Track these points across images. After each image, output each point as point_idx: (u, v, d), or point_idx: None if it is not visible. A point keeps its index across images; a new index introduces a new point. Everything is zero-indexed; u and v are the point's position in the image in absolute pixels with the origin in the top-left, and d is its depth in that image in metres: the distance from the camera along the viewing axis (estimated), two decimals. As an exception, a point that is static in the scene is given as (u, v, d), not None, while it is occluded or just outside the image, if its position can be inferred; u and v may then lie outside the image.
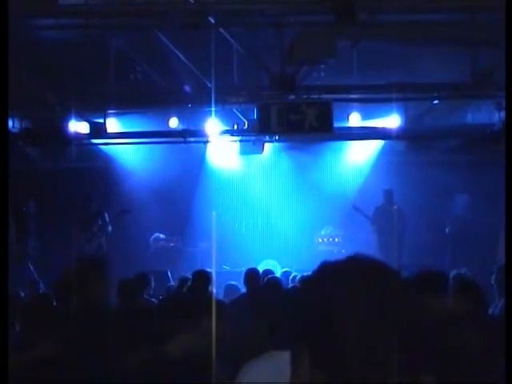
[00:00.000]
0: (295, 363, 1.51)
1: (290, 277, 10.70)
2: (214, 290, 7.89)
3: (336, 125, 11.67)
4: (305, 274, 8.83)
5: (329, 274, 1.56)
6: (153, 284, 8.81)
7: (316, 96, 11.40)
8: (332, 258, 1.63)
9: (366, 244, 14.35)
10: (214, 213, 14.03)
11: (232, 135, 13.52)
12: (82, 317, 4.43)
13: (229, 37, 10.31)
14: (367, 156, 16.17)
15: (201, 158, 15.78)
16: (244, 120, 13.09)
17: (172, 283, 10.13)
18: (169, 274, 11.56)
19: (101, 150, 15.40)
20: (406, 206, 14.92)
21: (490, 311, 5.89)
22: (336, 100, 11.50)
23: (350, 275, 1.54)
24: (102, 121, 12.97)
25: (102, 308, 4.86)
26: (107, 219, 14.77)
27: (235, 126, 13.32)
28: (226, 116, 13.18)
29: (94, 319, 4.55)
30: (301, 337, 1.52)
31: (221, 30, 9.95)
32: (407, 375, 1.50)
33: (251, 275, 8.72)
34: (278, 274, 11.08)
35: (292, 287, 7.97)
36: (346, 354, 1.47)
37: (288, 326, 1.63)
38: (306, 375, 1.50)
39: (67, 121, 12.42)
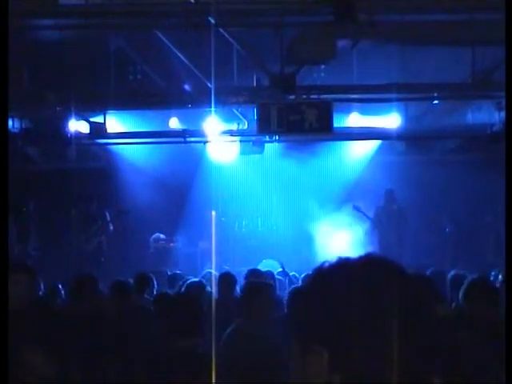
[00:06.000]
0: (313, 364, 1.50)
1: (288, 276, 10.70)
2: (214, 290, 7.89)
3: (336, 125, 11.66)
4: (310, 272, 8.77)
5: (343, 273, 1.54)
6: (155, 284, 8.79)
7: (316, 96, 11.39)
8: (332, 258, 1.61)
9: (366, 244, 14.38)
10: (213, 213, 14.02)
11: (232, 135, 13.52)
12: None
13: (229, 37, 10.30)
14: (367, 156, 16.17)
15: (201, 158, 15.77)
16: (244, 120, 13.09)
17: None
18: (169, 274, 11.55)
19: (101, 150, 15.41)
20: (406, 205, 14.92)
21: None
22: (336, 100, 11.49)
23: (364, 274, 1.52)
24: (101, 121, 12.97)
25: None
26: (108, 219, 14.78)
27: (235, 126, 13.33)
28: (225, 116, 13.18)
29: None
30: (319, 338, 1.50)
31: (221, 30, 9.94)
32: (420, 377, 1.49)
33: (256, 276, 8.64)
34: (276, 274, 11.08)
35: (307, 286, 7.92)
36: (361, 355, 1.46)
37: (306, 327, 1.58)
38: (322, 376, 1.49)
39: (67, 121, 12.43)
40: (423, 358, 1.49)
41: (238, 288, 8.71)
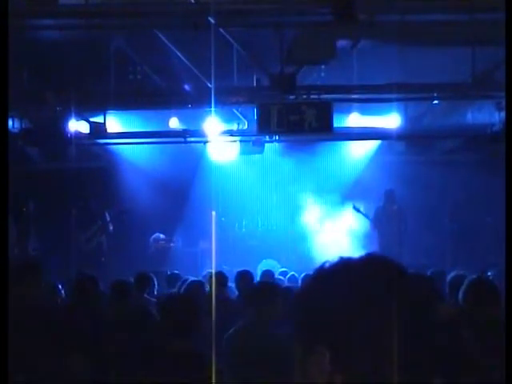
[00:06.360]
0: (315, 364, 1.50)
1: (287, 276, 10.70)
2: (214, 290, 7.89)
3: (336, 125, 11.67)
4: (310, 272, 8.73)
5: (344, 273, 1.54)
6: (156, 283, 8.80)
7: (316, 96, 11.39)
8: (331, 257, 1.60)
9: (366, 244, 14.38)
10: (213, 213, 14.02)
11: (232, 135, 13.52)
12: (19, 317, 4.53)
13: (229, 37, 10.30)
14: (367, 156, 16.17)
15: (200, 158, 15.77)
16: (244, 120, 13.09)
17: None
18: (168, 274, 11.55)
19: (101, 150, 15.40)
20: (406, 205, 14.92)
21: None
22: (336, 100, 11.49)
23: (366, 274, 1.51)
24: (102, 121, 12.97)
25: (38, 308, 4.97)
26: (108, 219, 14.79)
27: (235, 126, 13.33)
28: (225, 116, 13.18)
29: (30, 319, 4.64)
30: (320, 338, 1.50)
31: (221, 30, 9.95)
32: (421, 377, 1.49)
33: (243, 277, 8.62)
34: (277, 274, 11.10)
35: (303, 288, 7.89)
36: (363, 355, 1.46)
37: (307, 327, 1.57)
38: (324, 376, 1.48)
39: (67, 121, 12.42)
40: (425, 358, 1.49)
41: (228, 288, 8.77)
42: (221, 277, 8.36)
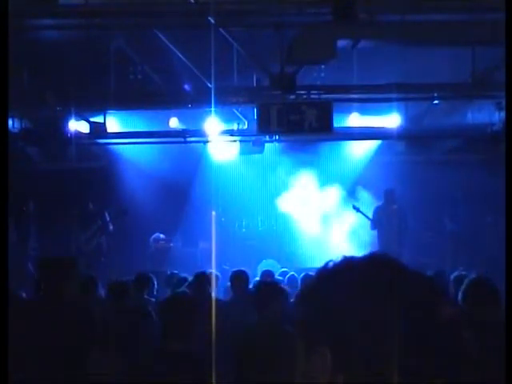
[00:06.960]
0: (316, 364, 1.49)
1: (287, 276, 10.70)
2: (213, 291, 7.89)
3: (336, 125, 11.67)
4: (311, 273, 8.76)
5: (348, 273, 1.53)
6: (155, 284, 8.79)
7: (316, 96, 11.39)
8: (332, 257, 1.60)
9: (366, 243, 14.38)
10: (213, 213, 14.03)
11: (232, 135, 13.52)
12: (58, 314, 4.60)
13: (229, 37, 10.31)
14: (367, 156, 16.17)
15: (201, 158, 15.78)
16: (244, 120, 13.09)
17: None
18: (168, 274, 11.54)
19: (101, 150, 15.40)
20: (406, 205, 14.92)
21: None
22: (336, 100, 11.49)
23: (370, 274, 1.51)
24: (102, 121, 12.97)
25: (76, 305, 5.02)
26: (108, 219, 14.78)
27: (235, 126, 13.33)
28: (225, 116, 13.18)
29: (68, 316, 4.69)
30: (323, 337, 1.49)
31: (221, 30, 9.95)
32: (422, 378, 1.49)
33: (238, 278, 8.60)
34: (277, 274, 11.10)
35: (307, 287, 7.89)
36: (364, 356, 1.46)
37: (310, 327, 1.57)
38: (325, 376, 1.48)
39: (67, 121, 12.42)
40: (425, 358, 1.49)
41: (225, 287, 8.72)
42: (208, 277, 8.34)
